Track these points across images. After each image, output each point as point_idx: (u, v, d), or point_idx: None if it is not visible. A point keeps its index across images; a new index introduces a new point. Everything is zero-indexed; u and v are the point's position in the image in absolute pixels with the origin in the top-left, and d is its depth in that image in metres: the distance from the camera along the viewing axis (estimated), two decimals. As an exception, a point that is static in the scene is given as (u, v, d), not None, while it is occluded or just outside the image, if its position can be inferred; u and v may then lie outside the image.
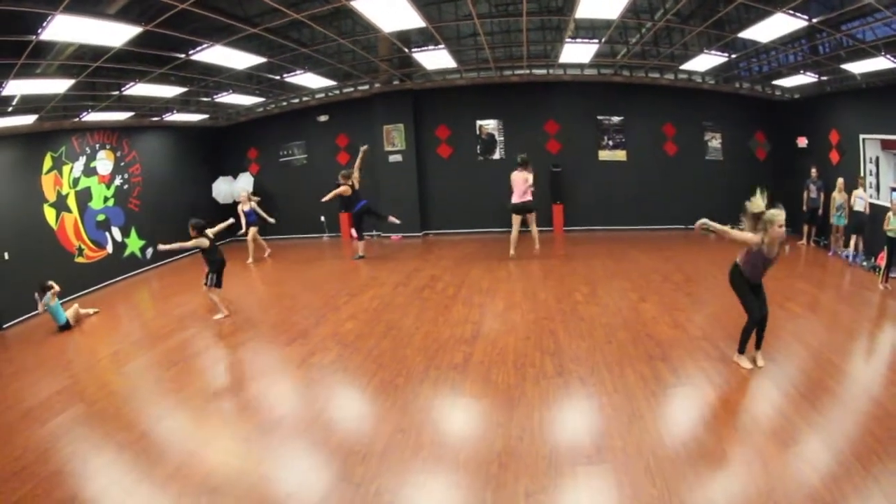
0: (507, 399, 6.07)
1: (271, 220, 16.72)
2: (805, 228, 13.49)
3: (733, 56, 11.41)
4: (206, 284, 10.73)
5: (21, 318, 12.69)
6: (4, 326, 12.34)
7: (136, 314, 12.79)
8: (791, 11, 7.90)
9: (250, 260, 16.48)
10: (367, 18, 8.96)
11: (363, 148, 14.88)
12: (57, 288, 11.47)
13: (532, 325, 8.38)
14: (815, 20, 8.19)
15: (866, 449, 4.57)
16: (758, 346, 6.62)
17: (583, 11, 8.96)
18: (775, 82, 13.41)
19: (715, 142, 15.03)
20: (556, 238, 15.69)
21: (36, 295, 11.36)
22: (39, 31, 7.31)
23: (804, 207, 13.30)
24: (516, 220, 12.83)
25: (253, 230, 16.53)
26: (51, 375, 9.00)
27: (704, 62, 12.25)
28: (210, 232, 10.60)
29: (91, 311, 12.08)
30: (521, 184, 12.47)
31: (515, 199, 12.66)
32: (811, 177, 13.08)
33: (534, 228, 13.09)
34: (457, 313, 9.36)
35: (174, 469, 5.54)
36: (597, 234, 15.73)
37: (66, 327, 11.28)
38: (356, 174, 14.30)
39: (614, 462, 4.58)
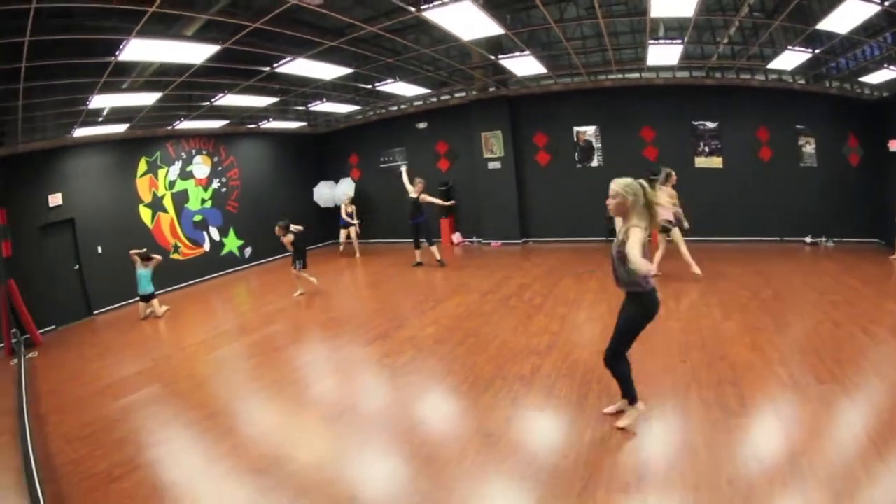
0: (563, 415, 6.06)
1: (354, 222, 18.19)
2: None
3: (817, 51, 10.82)
4: (295, 268, 12.77)
5: (111, 307, 14.12)
6: (95, 313, 13.55)
7: (228, 308, 13.53)
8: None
9: (357, 255, 17.99)
10: (443, 28, 9.05)
11: (403, 168, 15.69)
12: (158, 258, 13.06)
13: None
14: (887, 3, 7.68)
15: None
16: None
17: (657, 10, 8.79)
18: (863, 79, 12.53)
19: (809, 147, 14.16)
20: (652, 249, 15.28)
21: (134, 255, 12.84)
22: (117, 53, 7.85)
23: None
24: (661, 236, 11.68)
25: (351, 230, 18.02)
26: (133, 358, 9.80)
27: (790, 59, 11.66)
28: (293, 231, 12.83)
29: (164, 308, 13.02)
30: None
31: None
32: None
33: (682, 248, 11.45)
34: (537, 324, 9.35)
35: (230, 448, 6.03)
36: (693, 245, 15.29)
37: (146, 299, 12.57)
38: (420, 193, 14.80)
39: (653, 493, 4.45)
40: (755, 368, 6.71)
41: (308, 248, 13.03)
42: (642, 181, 5.17)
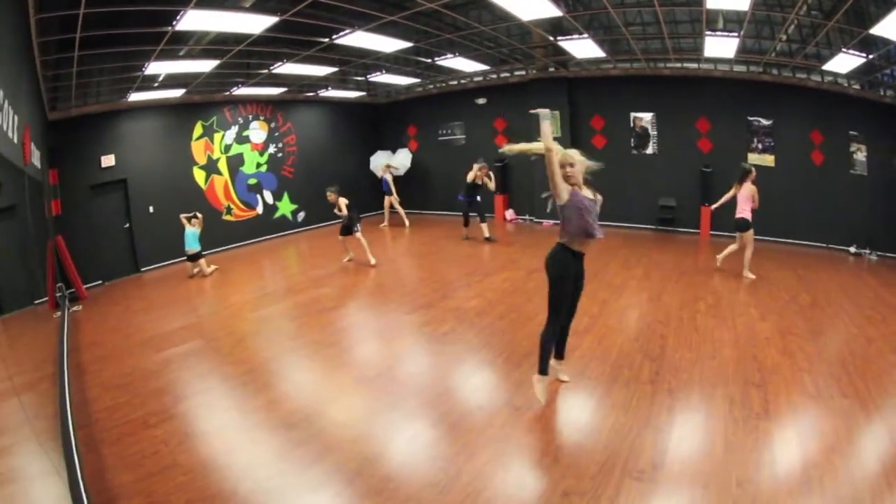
0: (590, 397, 6.22)
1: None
2: None
3: (871, 56, 10.51)
4: (355, 231, 12.77)
5: (159, 265, 14.71)
6: (143, 270, 14.24)
7: (276, 270, 13.85)
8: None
9: (385, 224, 18.38)
10: (501, 7, 9.13)
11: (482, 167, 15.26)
12: (200, 216, 13.29)
13: (646, 328, 8.33)
14: None
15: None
16: (559, 355, 6.49)
17: (713, 2, 8.76)
18: None
19: (860, 154, 13.81)
20: (700, 242, 15.23)
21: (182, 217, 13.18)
22: (174, 22, 8.03)
23: None
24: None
25: (389, 198, 18.22)
26: (177, 314, 10.17)
27: (845, 62, 11.34)
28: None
29: (212, 268, 13.43)
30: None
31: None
32: None
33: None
34: (579, 305, 9.35)
35: (265, 402, 6.35)
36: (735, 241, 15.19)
37: (193, 258, 13.00)
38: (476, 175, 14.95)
39: (664, 485, 4.56)
40: (782, 372, 6.69)
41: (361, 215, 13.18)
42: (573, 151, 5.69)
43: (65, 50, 8.48)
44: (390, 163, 19.63)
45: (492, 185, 15.35)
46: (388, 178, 18.41)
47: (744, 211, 10.68)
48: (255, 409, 6.19)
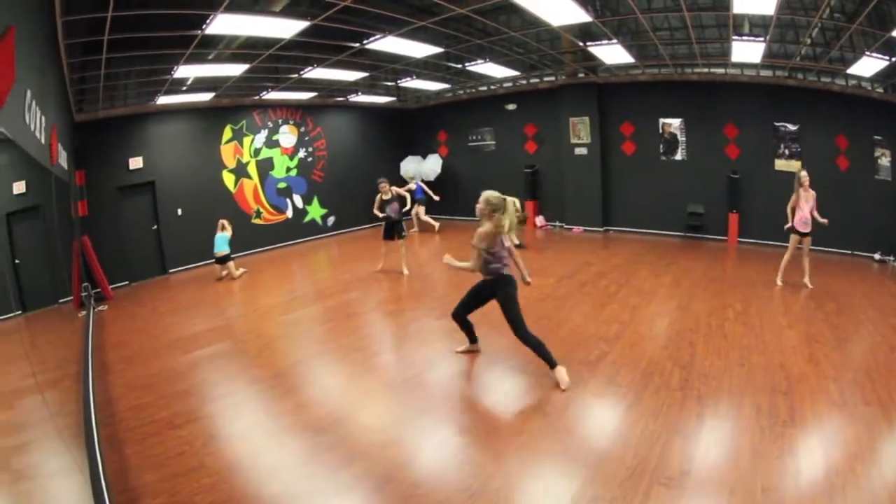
0: (620, 403, 6.16)
1: (436, 198, 18.21)
2: None
3: (894, 59, 10.40)
4: (402, 236, 12.64)
5: (187, 267, 14.81)
6: (170, 271, 14.42)
7: (306, 274, 13.88)
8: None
9: (415, 229, 18.39)
10: (531, 12, 9.11)
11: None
12: (225, 222, 13.45)
13: (675, 335, 8.26)
14: None
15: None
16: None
17: (740, 6, 8.66)
18: None
19: (885, 159, 13.53)
20: (728, 249, 15.10)
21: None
22: (204, 27, 8.05)
23: None
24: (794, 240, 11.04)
25: (418, 208, 18.19)
26: (205, 316, 10.20)
27: (868, 66, 11.18)
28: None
29: (241, 271, 13.48)
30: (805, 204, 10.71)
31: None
32: None
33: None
34: (609, 312, 9.43)
35: (293, 406, 6.33)
36: (767, 249, 14.94)
37: (222, 261, 13.04)
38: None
39: (691, 491, 4.52)
40: (809, 381, 6.63)
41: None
42: (508, 197, 6.85)
43: (92, 52, 8.55)
44: (421, 168, 19.83)
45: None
46: (423, 185, 18.36)
47: (808, 217, 10.57)
48: (283, 413, 6.19)
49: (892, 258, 13.23)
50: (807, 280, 10.84)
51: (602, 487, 4.57)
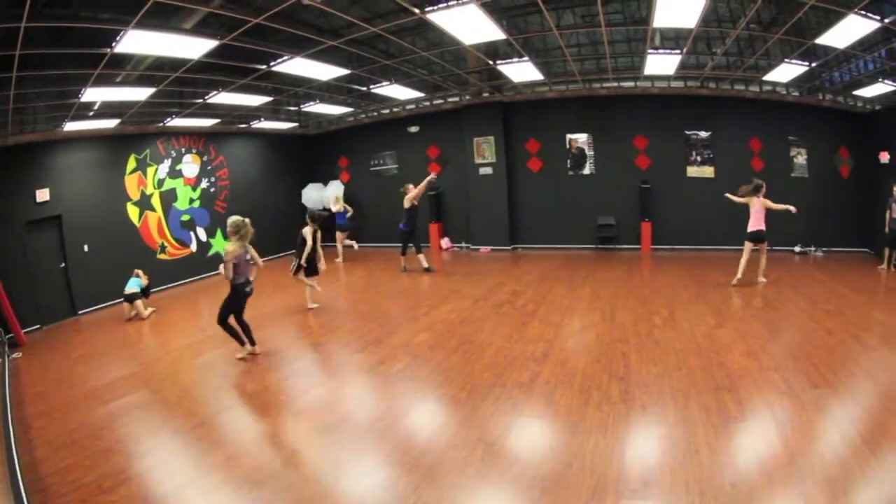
0: (564, 423, 6.03)
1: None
2: (886, 252, 12.29)
3: (814, 65, 10.94)
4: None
5: (96, 307, 13.96)
6: (80, 312, 13.54)
7: (214, 311, 13.18)
8: (862, 12, 7.57)
9: (339, 259, 17.60)
10: (447, 31, 9.02)
11: (430, 178, 15.00)
12: (140, 272, 13.07)
13: (605, 347, 8.27)
14: (887, 21, 7.77)
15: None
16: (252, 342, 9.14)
17: (660, 20, 8.77)
18: (856, 92, 12.74)
19: (800, 158, 14.31)
20: (643, 257, 15.38)
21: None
22: (113, 44, 7.74)
23: (886, 229, 12.22)
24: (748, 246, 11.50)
25: (339, 234, 17.59)
26: (119, 361, 9.65)
27: (786, 72, 11.78)
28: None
29: (149, 310, 12.90)
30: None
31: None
32: (892, 195, 11.94)
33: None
34: (532, 331, 9.34)
35: (224, 459, 5.87)
36: (682, 253, 15.32)
37: (131, 299, 12.52)
38: (414, 193, 14.66)
39: (662, 499, 4.45)
40: (751, 374, 6.80)
41: (293, 252, 12.34)
42: (246, 220, 8.61)
43: (2, 69, 8.04)
44: (322, 195, 19.48)
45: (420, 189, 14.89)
46: (347, 212, 17.79)
47: (759, 223, 11.14)
48: (215, 467, 5.69)
49: (812, 249, 13.72)
50: (760, 277, 11.58)
51: (568, 510, 4.41)
